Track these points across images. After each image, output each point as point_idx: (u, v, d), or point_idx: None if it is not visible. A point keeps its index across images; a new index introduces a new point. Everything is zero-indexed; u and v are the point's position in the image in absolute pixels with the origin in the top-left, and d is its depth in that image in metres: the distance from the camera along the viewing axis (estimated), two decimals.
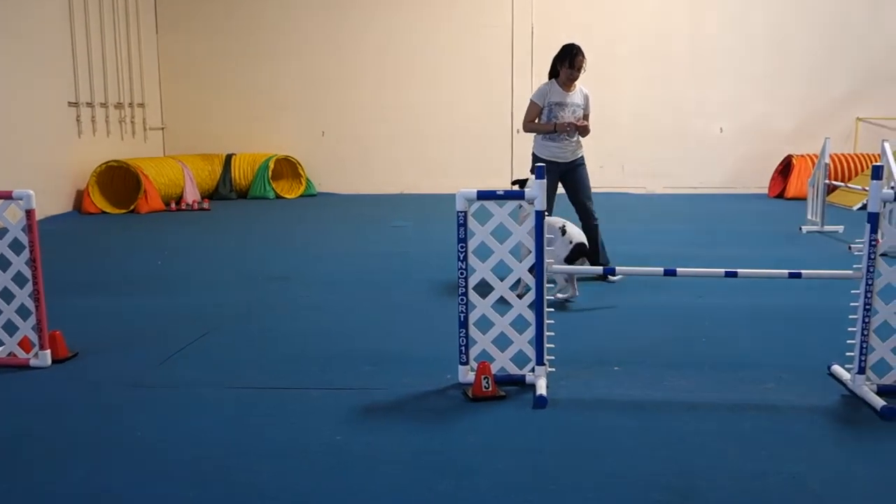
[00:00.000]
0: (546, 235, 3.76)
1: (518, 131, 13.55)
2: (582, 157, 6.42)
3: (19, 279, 4.24)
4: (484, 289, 3.80)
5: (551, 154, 6.30)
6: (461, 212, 3.75)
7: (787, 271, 3.91)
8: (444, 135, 13.70)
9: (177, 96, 14.06)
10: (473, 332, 3.89)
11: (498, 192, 3.76)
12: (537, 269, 3.76)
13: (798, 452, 3.16)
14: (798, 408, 3.63)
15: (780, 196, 12.70)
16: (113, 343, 4.75)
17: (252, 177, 13.17)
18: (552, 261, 3.84)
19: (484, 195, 3.74)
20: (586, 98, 6.35)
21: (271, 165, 13.14)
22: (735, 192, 13.35)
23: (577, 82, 6.28)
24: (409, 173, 13.80)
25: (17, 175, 9.06)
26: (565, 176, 6.37)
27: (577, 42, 6.23)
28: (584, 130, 6.23)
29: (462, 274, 3.80)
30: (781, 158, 12.87)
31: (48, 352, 4.31)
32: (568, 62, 6.13)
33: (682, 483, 2.89)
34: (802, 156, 12.50)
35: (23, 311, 4.28)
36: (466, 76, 13.58)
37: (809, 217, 9.22)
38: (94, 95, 11.95)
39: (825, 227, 8.93)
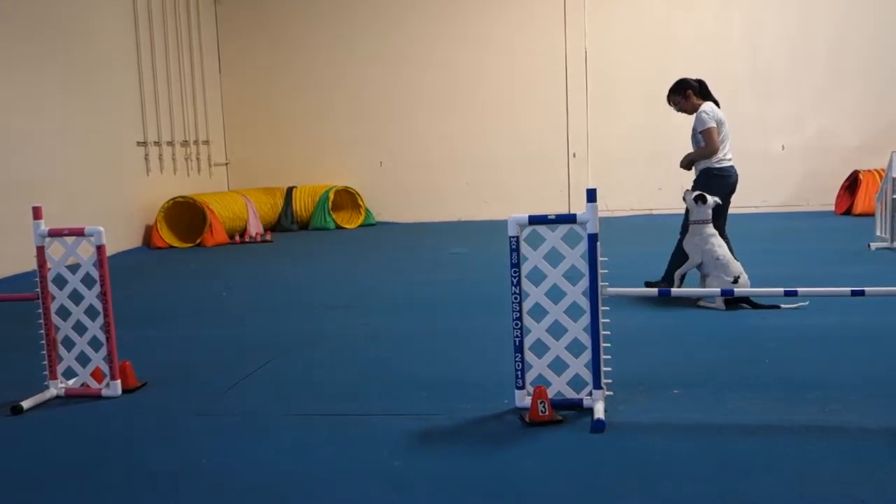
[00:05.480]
0: None
1: (578, 155, 13.59)
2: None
3: (91, 312, 4.43)
4: (539, 313, 3.82)
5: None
6: (513, 237, 3.78)
7: (848, 289, 3.82)
8: (501, 162, 13.75)
9: (240, 133, 14.48)
10: (529, 356, 3.89)
11: (549, 217, 3.78)
12: (591, 293, 3.76)
13: (865, 475, 3.06)
14: (866, 430, 3.52)
15: (848, 213, 12.35)
16: (180, 373, 4.90)
17: (313, 208, 13.44)
18: (606, 283, 3.81)
19: (535, 219, 3.77)
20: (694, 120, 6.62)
21: (331, 196, 13.40)
22: (800, 211, 13.02)
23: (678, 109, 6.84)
24: (467, 201, 13.88)
25: (90, 213, 9.43)
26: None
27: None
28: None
29: (516, 298, 3.82)
30: (847, 174, 12.54)
31: (119, 382, 4.46)
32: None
33: None
34: (870, 171, 12.15)
35: (94, 343, 4.46)
36: (521, 103, 13.63)
37: (878, 234, 8.94)
38: (161, 135, 12.41)
39: (895, 243, 8.65)
